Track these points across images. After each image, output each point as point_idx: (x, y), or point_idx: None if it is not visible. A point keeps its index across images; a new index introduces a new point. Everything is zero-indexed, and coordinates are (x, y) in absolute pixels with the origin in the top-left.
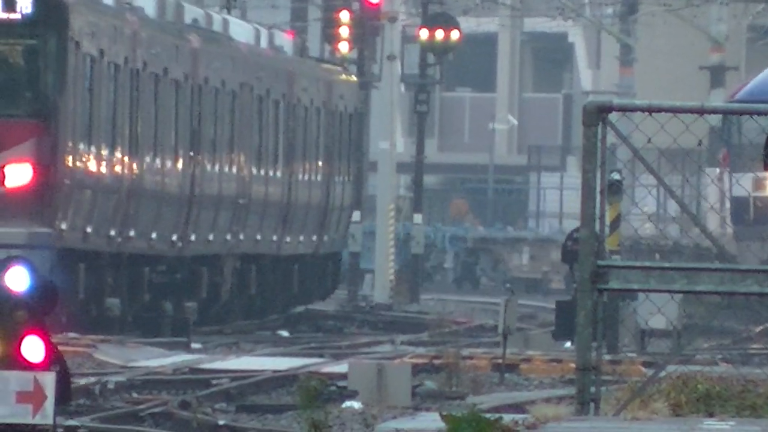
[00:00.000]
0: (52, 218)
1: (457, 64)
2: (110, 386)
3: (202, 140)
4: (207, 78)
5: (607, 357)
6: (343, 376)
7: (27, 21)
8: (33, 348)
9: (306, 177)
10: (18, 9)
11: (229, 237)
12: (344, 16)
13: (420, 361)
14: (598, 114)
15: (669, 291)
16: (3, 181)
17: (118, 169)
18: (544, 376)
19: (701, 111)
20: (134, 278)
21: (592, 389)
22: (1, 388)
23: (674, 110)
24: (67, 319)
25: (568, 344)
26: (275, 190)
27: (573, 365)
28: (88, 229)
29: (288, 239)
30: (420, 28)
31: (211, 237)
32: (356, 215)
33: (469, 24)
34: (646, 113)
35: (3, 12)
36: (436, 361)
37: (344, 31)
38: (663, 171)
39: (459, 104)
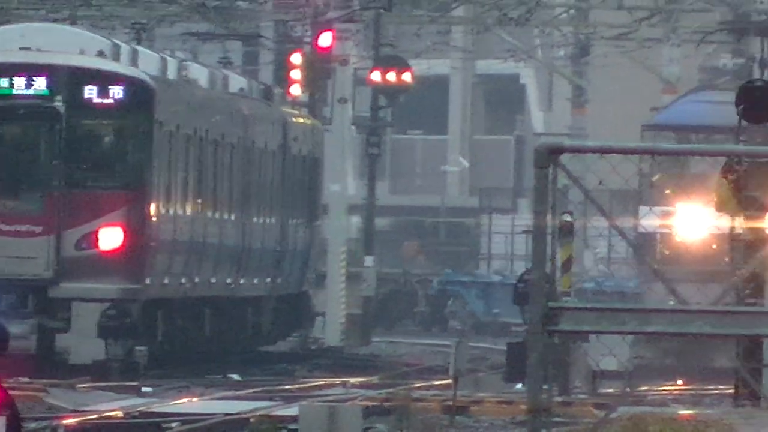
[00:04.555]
0: (141, 275)
1: (409, 107)
2: (61, 431)
3: (250, 196)
4: (254, 141)
5: (559, 399)
6: (295, 419)
7: (119, 105)
8: None
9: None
10: (111, 95)
11: (269, 280)
12: (296, 59)
13: (371, 403)
14: (549, 155)
15: (620, 332)
16: (97, 244)
17: (189, 228)
18: (494, 418)
19: (653, 152)
20: (198, 321)
21: (543, 431)
22: None
23: (626, 151)
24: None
25: (519, 386)
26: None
27: (524, 407)
28: (166, 281)
29: (279, 280)
30: (372, 71)
31: (255, 281)
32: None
33: (421, 66)
34: (598, 155)
35: (98, 98)
36: (387, 404)
37: (296, 74)
38: (615, 212)
39: (410, 146)
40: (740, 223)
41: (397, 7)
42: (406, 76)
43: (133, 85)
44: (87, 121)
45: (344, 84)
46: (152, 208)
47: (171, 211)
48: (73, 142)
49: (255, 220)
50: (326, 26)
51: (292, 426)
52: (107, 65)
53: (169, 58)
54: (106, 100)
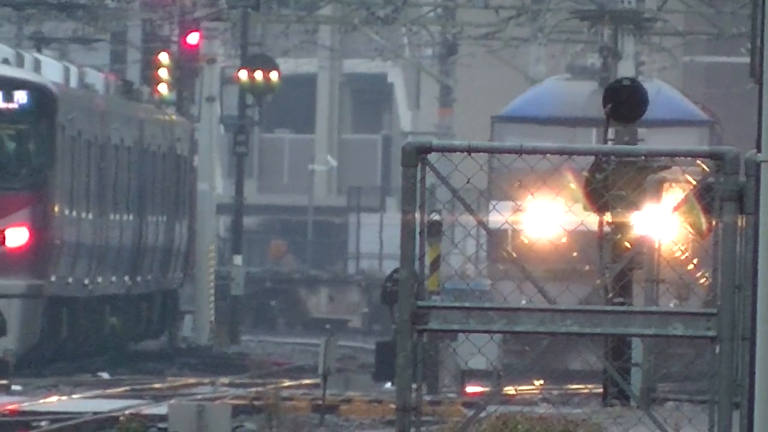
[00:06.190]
0: (45, 272)
1: (277, 106)
2: None
3: (145, 197)
4: (148, 143)
5: (428, 398)
6: (164, 418)
7: (23, 110)
8: None
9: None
10: (15, 100)
11: (160, 277)
12: (164, 57)
13: (240, 402)
14: (417, 155)
15: (488, 332)
16: (4, 242)
17: (91, 228)
18: (364, 418)
19: (520, 151)
20: (100, 319)
21: (413, 430)
22: None
23: (493, 151)
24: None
25: (389, 385)
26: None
27: (393, 406)
28: (70, 280)
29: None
30: (239, 70)
31: (149, 278)
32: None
33: (289, 65)
34: (466, 153)
35: (2, 102)
36: (256, 403)
37: (164, 73)
38: (483, 211)
39: (278, 145)
40: (608, 222)
41: (264, 6)
42: (274, 75)
43: (36, 91)
44: None
45: (212, 83)
46: (57, 208)
47: (75, 212)
48: None
49: (149, 219)
50: (193, 25)
51: (161, 425)
52: (12, 72)
53: (71, 66)
54: (11, 106)
